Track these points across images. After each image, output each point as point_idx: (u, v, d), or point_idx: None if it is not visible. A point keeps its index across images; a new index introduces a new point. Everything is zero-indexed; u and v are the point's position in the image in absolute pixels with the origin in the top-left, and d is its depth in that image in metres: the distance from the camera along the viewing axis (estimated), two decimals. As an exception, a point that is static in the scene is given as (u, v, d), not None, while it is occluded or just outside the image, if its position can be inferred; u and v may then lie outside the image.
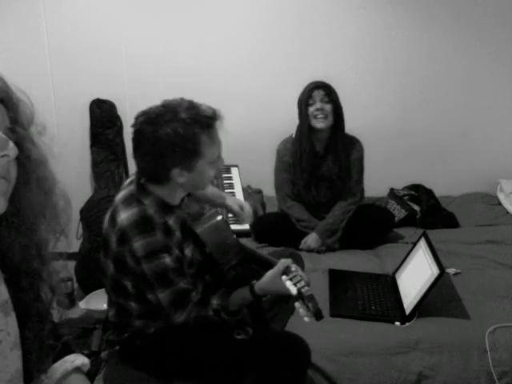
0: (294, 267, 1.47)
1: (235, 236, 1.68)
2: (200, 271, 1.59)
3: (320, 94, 2.42)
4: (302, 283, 1.40)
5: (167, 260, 1.43)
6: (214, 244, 1.59)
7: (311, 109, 2.44)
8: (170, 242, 1.47)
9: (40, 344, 0.96)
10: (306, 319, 1.36)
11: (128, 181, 1.58)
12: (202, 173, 1.48)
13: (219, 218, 1.64)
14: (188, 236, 1.55)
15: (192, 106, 1.44)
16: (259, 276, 1.56)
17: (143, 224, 1.42)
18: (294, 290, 1.38)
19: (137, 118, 1.46)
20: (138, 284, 1.47)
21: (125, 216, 1.43)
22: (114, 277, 1.50)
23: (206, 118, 1.43)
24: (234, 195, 2.69)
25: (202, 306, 1.50)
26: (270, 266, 1.53)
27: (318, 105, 2.42)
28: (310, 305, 1.33)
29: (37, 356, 0.96)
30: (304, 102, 2.45)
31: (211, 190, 1.82)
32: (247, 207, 1.83)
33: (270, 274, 1.49)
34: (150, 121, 1.42)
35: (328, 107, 2.43)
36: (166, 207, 1.50)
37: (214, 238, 1.59)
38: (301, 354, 1.55)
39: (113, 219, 1.46)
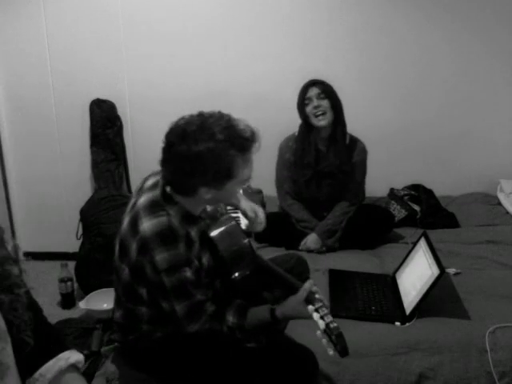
0: (317, 293, 1.44)
1: (250, 244, 1.63)
2: (211, 277, 1.56)
3: (315, 92, 2.41)
4: (330, 318, 1.35)
5: (188, 274, 1.40)
6: (227, 249, 1.56)
7: (309, 108, 2.43)
8: (191, 253, 1.44)
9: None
10: (331, 353, 1.33)
11: (150, 183, 1.52)
12: (229, 191, 1.46)
13: (233, 222, 1.62)
14: (205, 245, 1.52)
15: (230, 125, 1.37)
16: (270, 288, 1.52)
17: (167, 236, 1.37)
18: (322, 325, 1.34)
19: (171, 128, 1.39)
20: (154, 293, 1.45)
21: (148, 225, 1.38)
22: (129, 282, 1.47)
23: (243, 139, 1.37)
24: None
25: (217, 320, 1.47)
26: (288, 285, 1.50)
27: (315, 102, 2.41)
28: (337, 343, 1.30)
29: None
30: (300, 101, 2.45)
31: None
32: (261, 214, 1.76)
33: (293, 301, 1.45)
34: (184, 135, 1.35)
35: (325, 103, 2.41)
36: (189, 218, 1.47)
37: (227, 242, 1.56)
38: (308, 367, 1.53)
39: (134, 225, 1.41)
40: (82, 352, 1.14)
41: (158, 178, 1.51)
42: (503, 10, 2.96)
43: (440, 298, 1.97)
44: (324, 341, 1.34)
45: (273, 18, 2.96)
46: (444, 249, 2.43)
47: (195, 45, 2.99)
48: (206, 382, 1.53)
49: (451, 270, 2.23)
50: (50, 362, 1.06)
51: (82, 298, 2.65)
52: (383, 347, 1.77)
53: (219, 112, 1.41)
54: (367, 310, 1.95)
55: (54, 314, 2.68)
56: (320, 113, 2.41)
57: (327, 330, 1.33)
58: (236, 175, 1.41)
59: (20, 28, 2.96)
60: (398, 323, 1.86)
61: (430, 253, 1.93)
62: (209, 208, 1.64)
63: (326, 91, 2.42)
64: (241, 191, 1.86)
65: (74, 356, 1.09)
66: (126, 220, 1.46)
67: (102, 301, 2.57)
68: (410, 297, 1.92)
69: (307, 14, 2.95)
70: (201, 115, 1.39)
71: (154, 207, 1.42)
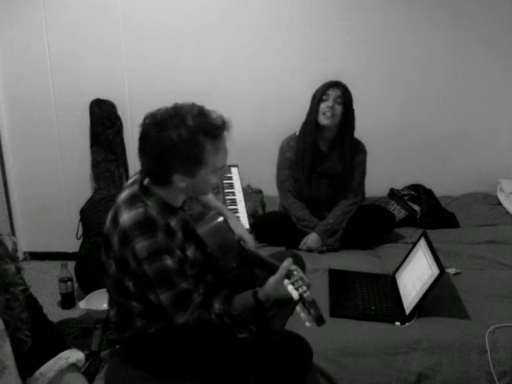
0: (295, 270, 1.47)
1: (236, 237, 1.67)
2: (202, 271, 1.58)
3: (335, 93, 2.43)
4: (304, 288, 1.40)
5: (169, 261, 1.43)
6: (215, 245, 1.59)
7: (323, 105, 2.44)
8: (172, 243, 1.46)
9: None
10: (308, 324, 1.36)
11: (130, 181, 1.57)
12: (203, 180, 1.47)
13: (221, 219, 1.64)
14: (190, 237, 1.55)
15: (201, 113, 1.42)
16: (259, 278, 1.54)
17: (145, 225, 1.41)
18: (295, 295, 1.38)
19: (145, 118, 1.45)
20: (140, 284, 1.47)
21: (127, 216, 1.42)
22: (116, 277, 1.50)
23: (213, 126, 1.41)
24: (235, 202, 2.67)
25: (204, 308, 1.49)
26: (272, 268, 1.53)
27: (331, 103, 2.43)
28: (311, 310, 1.34)
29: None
30: (318, 97, 2.45)
31: (214, 203, 1.80)
32: (249, 239, 1.74)
33: (273, 280, 1.48)
34: (156, 123, 1.40)
35: (339, 108, 2.44)
36: (168, 208, 1.50)
37: (215, 239, 1.59)
38: (303, 354, 1.55)
39: (115, 219, 1.45)
40: (82, 352, 1.14)
41: (137, 175, 1.56)
42: (503, 10, 2.96)
43: (440, 298, 1.97)
44: (302, 314, 1.37)
45: (273, 18, 2.96)
46: (444, 249, 2.43)
47: (195, 45, 2.99)
48: (204, 377, 1.53)
49: (451, 270, 2.23)
50: (51, 361, 1.06)
51: (82, 298, 2.65)
52: (383, 347, 1.77)
53: (193, 103, 1.46)
54: (367, 309, 1.95)
55: (54, 313, 2.69)
56: (330, 114, 2.43)
57: (302, 301, 1.37)
58: (207, 162, 1.43)
59: (20, 28, 2.96)
60: (397, 323, 1.86)
61: (429, 253, 1.93)
62: (198, 207, 1.66)
63: (345, 97, 2.44)
64: (230, 215, 1.85)
65: (74, 355, 1.09)
66: (109, 216, 1.50)
67: (101, 301, 2.56)
68: (410, 297, 1.92)
69: (308, 14, 2.95)
70: (174, 106, 1.45)
71: (132, 200, 1.46)
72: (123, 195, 1.50)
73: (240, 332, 1.56)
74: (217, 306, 1.51)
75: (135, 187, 1.50)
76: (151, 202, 1.46)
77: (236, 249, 1.65)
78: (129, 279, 1.47)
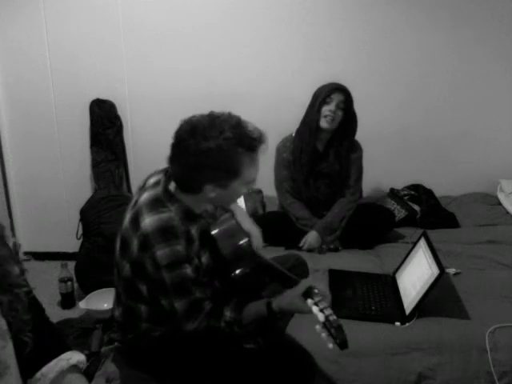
0: (315, 288, 1.45)
1: (249, 242, 1.64)
2: (210, 276, 1.57)
3: (339, 98, 2.43)
4: (330, 310, 1.36)
5: (188, 270, 1.42)
6: (227, 247, 1.57)
7: (325, 108, 2.44)
8: (191, 251, 1.45)
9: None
10: (330, 346, 1.33)
11: (153, 180, 1.53)
12: (235, 191, 1.47)
13: (234, 221, 1.62)
14: (205, 244, 1.53)
15: (239, 125, 1.40)
16: (266, 284, 1.53)
17: (168, 232, 1.39)
18: (321, 318, 1.34)
19: (182, 125, 1.41)
20: (154, 289, 1.46)
21: (149, 221, 1.39)
22: (130, 279, 1.48)
23: (251, 139, 1.40)
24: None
25: (214, 316, 1.48)
26: (285, 279, 1.51)
27: (333, 108, 2.43)
28: (336, 336, 1.31)
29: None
30: (321, 99, 2.45)
31: None
32: (256, 238, 1.72)
33: (290, 293, 1.47)
34: (194, 132, 1.37)
35: (340, 113, 2.45)
36: (190, 216, 1.48)
37: (227, 241, 1.57)
38: (306, 369, 1.54)
39: (135, 222, 1.42)
40: (82, 352, 1.14)
41: (160, 176, 1.52)
42: (503, 10, 2.96)
43: (440, 298, 1.97)
44: (323, 335, 1.34)
45: (273, 18, 2.96)
46: (444, 249, 2.43)
47: (195, 45, 2.99)
48: (205, 382, 1.53)
49: (451, 270, 2.23)
50: (52, 363, 1.06)
51: (81, 298, 2.65)
52: (383, 347, 1.77)
53: (229, 112, 1.43)
54: (367, 310, 1.95)
55: (53, 313, 2.68)
56: (330, 118, 2.43)
57: (326, 323, 1.33)
58: (242, 174, 1.42)
59: (20, 28, 2.96)
60: (397, 323, 1.86)
61: (429, 253, 1.93)
62: (209, 207, 1.65)
63: (347, 103, 2.44)
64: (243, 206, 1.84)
65: (75, 356, 1.09)
66: (128, 217, 1.47)
67: (102, 301, 2.57)
68: (410, 297, 1.92)
69: (308, 14, 2.94)
70: (211, 114, 1.42)
71: (155, 204, 1.43)
72: (145, 197, 1.46)
73: (246, 343, 1.54)
74: (227, 313, 1.49)
75: (159, 190, 1.47)
76: (175, 208, 1.44)
77: (249, 254, 1.62)
78: (143, 283, 1.46)
